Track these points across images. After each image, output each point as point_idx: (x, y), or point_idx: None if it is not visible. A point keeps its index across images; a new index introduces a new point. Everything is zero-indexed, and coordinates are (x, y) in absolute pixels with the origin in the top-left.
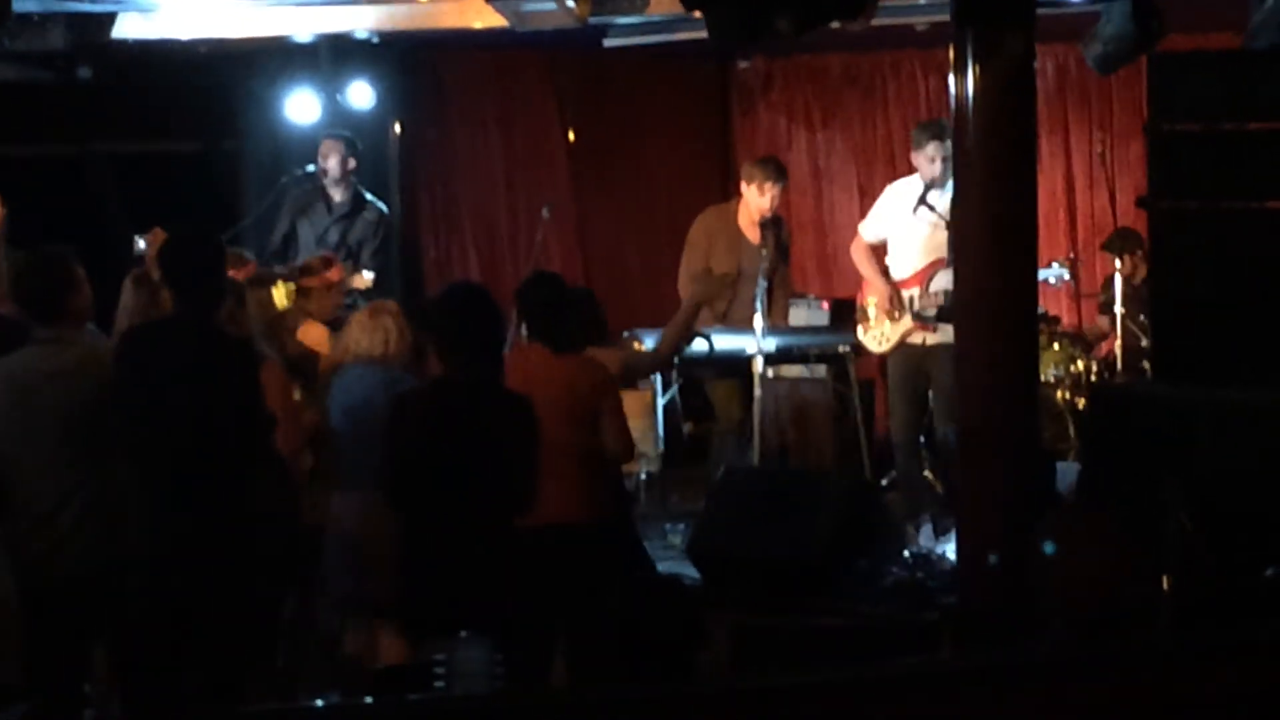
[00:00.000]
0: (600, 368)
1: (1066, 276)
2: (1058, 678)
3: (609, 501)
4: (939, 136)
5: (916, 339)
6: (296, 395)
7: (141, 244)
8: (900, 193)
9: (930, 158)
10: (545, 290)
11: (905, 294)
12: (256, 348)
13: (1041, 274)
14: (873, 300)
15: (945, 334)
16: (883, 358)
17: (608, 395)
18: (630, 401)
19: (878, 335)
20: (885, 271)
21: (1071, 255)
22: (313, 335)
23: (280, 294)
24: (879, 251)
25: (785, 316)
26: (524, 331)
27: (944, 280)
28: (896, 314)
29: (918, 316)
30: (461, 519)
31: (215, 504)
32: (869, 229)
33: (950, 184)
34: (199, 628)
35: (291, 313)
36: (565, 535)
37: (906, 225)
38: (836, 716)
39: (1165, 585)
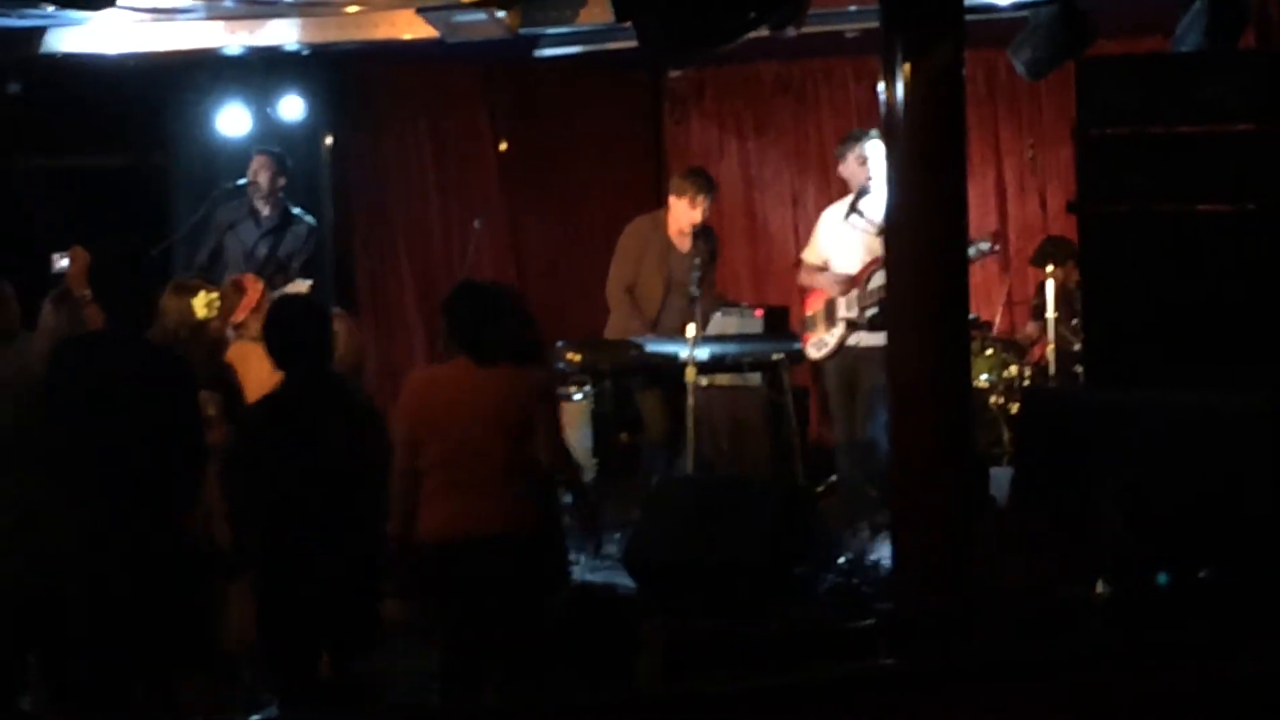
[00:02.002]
0: (532, 378)
1: (986, 249)
2: (993, 681)
3: (539, 514)
4: (860, 139)
5: (852, 342)
6: (211, 410)
7: (63, 262)
8: (836, 215)
9: (860, 159)
10: (470, 300)
11: (844, 298)
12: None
13: None
14: (815, 310)
15: (878, 338)
16: (818, 365)
17: (542, 405)
18: (564, 411)
19: (818, 343)
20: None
21: (995, 230)
22: (254, 356)
23: (200, 303)
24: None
25: (705, 324)
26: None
27: (882, 278)
28: (837, 315)
29: (867, 318)
30: (307, 530)
31: (151, 517)
32: (812, 254)
33: (879, 188)
34: (136, 639)
35: (214, 323)
36: (493, 548)
37: (842, 235)
38: None
39: (1099, 587)
